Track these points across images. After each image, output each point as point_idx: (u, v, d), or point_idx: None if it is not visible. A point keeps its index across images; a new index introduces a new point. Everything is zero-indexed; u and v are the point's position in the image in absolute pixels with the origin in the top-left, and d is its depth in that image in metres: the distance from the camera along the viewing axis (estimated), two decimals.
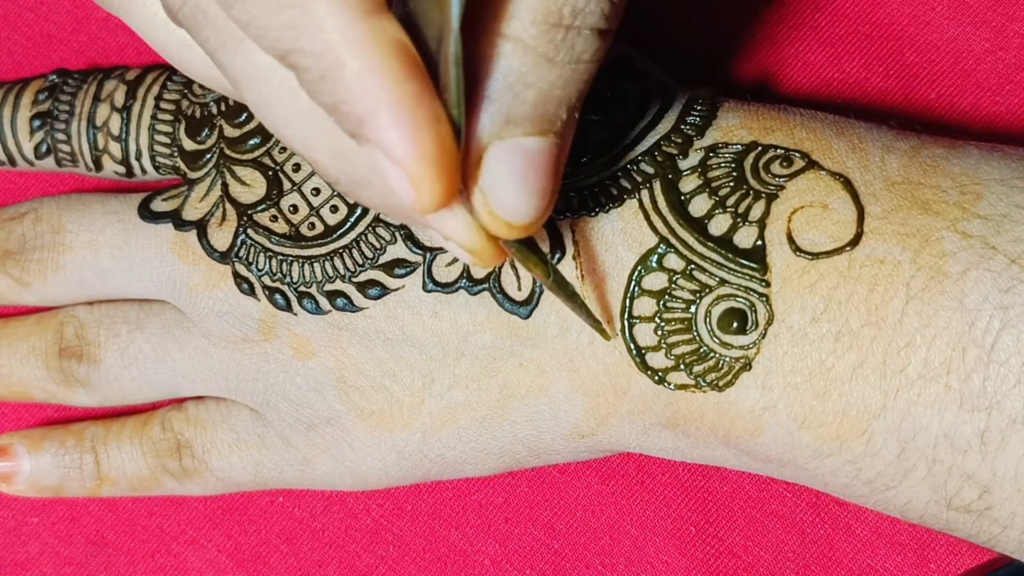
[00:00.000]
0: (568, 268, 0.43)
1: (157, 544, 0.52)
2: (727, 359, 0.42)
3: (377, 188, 0.35)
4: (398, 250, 0.44)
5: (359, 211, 0.45)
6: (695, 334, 0.42)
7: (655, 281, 0.42)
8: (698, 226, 0.42)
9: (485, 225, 0.35)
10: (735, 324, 0.42)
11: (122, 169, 0.49)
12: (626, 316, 0.43)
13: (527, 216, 0.35)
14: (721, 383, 0.42)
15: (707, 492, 0.49)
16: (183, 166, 0.48)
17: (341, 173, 0.35)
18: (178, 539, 0.51)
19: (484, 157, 0.34)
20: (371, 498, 0.51)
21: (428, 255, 0.44)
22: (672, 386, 0.42)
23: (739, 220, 0.42)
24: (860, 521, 0.49)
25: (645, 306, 0.42)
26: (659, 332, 0.42)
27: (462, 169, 0.33)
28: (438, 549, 0.50)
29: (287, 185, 0.46)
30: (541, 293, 0.43)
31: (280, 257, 0.45)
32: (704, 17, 0.51)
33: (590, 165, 0.44)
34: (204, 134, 0.47)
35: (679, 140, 0.44)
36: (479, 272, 0.44)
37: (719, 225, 0.42)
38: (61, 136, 0.49)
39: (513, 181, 0.34)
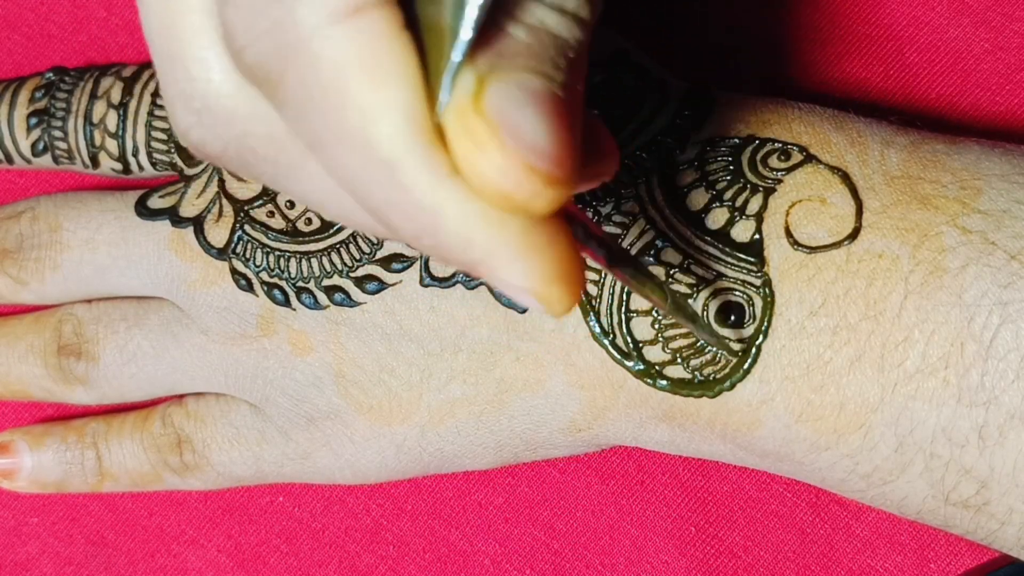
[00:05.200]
0: None
1: (157, 544, 0.52)
2: (724, 353, 0.42)
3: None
4: (395, 244, 0.44)
5: None
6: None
7: None
8: (695, 220, 0.42)
9: (514, 188, 0.28)
10: (732, 317, 0.42)
11: (119, 166, 0.49)
12: (623, 310, 0.43)
13: (558, 153, 0.28)
14: (718, 376, 0.42)
15: (707, 492, 0.49)
16: (180, 162, 0.48)
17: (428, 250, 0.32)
18: (178, 539, 0.51)
19: (484, 95, 0.28)
20: (371, 498, 0.51)
21: None
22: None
23: (736, 214, 0.42)
24: (860, 521, 0.49)
25: (642, 300, 0.42)
26: (656, 326, 0.42)
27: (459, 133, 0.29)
28: (438, 549, 0.50)
29: None
30: None
31: (277, 253, 0.45)
32: (703, 17, 0.51)
33: None
34: None
35: (676, 134, 0.44)
36: None
37: (716, 219, 0.42)
38: (58, 133, 0.49)
39: (529, 111, 0.28)
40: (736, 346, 0.42)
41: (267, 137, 0.32)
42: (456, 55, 0.28)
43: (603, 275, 0.43)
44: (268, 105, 0.31)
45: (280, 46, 0.28)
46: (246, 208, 0.46)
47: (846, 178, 0.42)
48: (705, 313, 0.42)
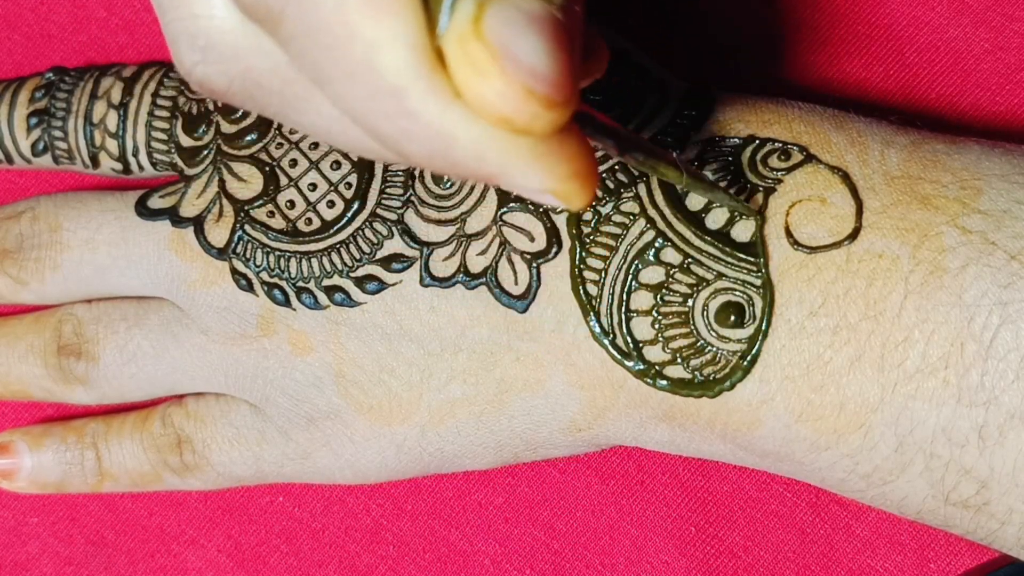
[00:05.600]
0: (564, 261, 0.43)
1: (157, 544, 0.52)
2: (724, 352, 0.42)
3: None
4: (395, 245, 0.44)
5: (355, 206, 0.45)
6: (692, 327, 0.42)
7: (652, 275, 0.42)
8: (695, 220, 0.42)
9: (514, 112, 0.28)
10: (732, 317, 0.42)
11: (119, 166, 0.49)
12: (623, 310, 0.43)
13: (557, 76, 0.28)
14: (718, 376, 0.42)
15: (707, 492, 0.49)
16: (180, 163, 0.48)
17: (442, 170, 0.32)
18: (178, 539, 0.51)
19: (484, 19, 0.28)
20: (371, 498, 0.51)
21: (425, 250, 0.44)
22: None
23: (736, 214, 0.42)
24: (860, 521, 0.49)
25: (642, 300, 0.42)
26: (656, 326, 0.42)
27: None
28: (438, 549, 0.50)
29: (284, 180, 0.46)
30: (538, 287, 0.43)
31: (278, 253, 0.45)
32: (703, 17, 0.51)
33: None
34: (201, 130, 0.47)
35: (676, 134, 0.44)
36: (476, 267, 0.44)
37: (716, 219, 0.42)
38: (58, 133, 0.49)
39: (527, 34, 0.28)
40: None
41: (272, 72, 0.32)
42: None
43: (603, 275, 0.43)
44: (271, 40, 0.31)
45: None
46: (246, 208, 0.46)
47: (846, 178, 0.42)
48: (705, 313, 0.42)
